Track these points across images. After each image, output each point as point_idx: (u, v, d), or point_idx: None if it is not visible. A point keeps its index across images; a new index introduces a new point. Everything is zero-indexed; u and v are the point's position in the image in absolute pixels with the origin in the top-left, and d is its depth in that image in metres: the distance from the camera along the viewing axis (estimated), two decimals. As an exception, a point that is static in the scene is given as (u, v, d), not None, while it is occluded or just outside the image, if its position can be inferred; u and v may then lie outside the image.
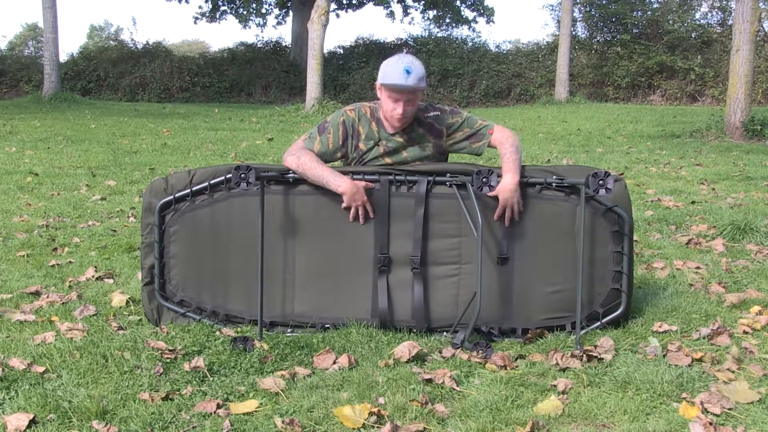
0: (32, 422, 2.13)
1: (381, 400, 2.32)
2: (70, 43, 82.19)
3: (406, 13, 24.01)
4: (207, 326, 2.92)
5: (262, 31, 60.16)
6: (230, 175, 2.85)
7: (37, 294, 3.41)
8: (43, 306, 3.23)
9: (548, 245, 2.90)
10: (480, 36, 31.84)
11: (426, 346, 2.76)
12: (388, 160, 3.02)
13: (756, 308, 3.19)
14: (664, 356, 2.65)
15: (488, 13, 23.51)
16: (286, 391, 2.39)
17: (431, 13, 23.97)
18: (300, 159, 2.90)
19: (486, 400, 2.30)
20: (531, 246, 2.90)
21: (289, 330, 2.94)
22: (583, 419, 2.23)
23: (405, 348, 2.66)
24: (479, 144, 3.05)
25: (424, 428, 2.15)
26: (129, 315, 3.15)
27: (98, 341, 2.76)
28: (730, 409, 2.26)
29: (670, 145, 10.28)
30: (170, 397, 2.33)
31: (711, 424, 2.13)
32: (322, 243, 2.95)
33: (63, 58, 20.45)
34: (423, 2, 23.56)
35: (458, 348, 2.72)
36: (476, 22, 23.80)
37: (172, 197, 2.97)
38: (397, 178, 2.90)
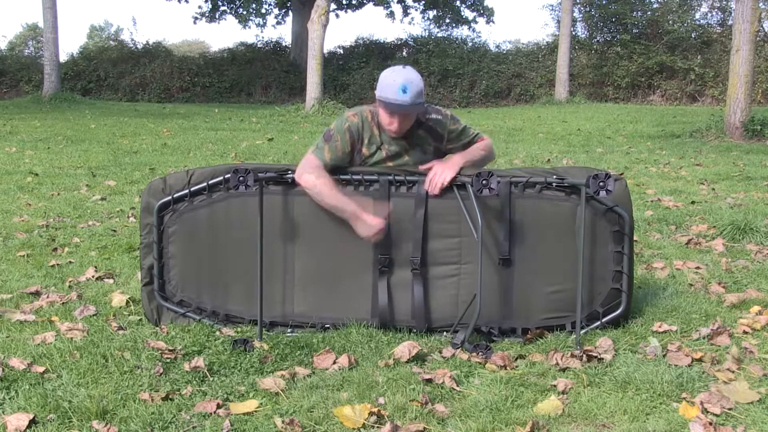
0: (32, 422, 2.14)
1: (381, 400, 2.32)
2: (70, 43, 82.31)
3: (406, 13, 24.03)
4: (207, 326, 2.92)
5: (261, 31, 60.02)
6: (229, 176, 2.85)
7: (37, 294, 3.41)
8: (43, 306, 3.23)
9: (548, 245, 2.90)
10: (480, 36, 31.89)
11: (426, 346, 2.76)
12: (390, 164, 3.02)
13: (756, 308, 3.18)
14: (664, 356, 2.65)
15: (488, 14, 23.52)
16: (286, 391, 2.39)
17: (431, 14, 23.98)
18: (319, 179, 2.86)
19: (486, 400, 2.30)
20: (531, 246, 2.90)
21: (289, 330, 2.94)
22: (583, 419, 2.23)
23: (405, 348, 2.66)
24: None
25: (424, 428, 2.15)
26: (129, 315, 3.15)
27: (98, 341, 2.76)
28: (730, 409, 2.26)
29: (670, 145, 10.28)
30: (170, 397, 2.33)
31: (711, 424, 2.13)
32: (322, 243, 2.95)
33: (63, 58, 20.49)
34: (423, 2, 23.56)
35: (458, 348, 2.72)
36: (476, 22, 23.84)
37: (170, 197, 2.96)
38: (397, 178, 2.91)
